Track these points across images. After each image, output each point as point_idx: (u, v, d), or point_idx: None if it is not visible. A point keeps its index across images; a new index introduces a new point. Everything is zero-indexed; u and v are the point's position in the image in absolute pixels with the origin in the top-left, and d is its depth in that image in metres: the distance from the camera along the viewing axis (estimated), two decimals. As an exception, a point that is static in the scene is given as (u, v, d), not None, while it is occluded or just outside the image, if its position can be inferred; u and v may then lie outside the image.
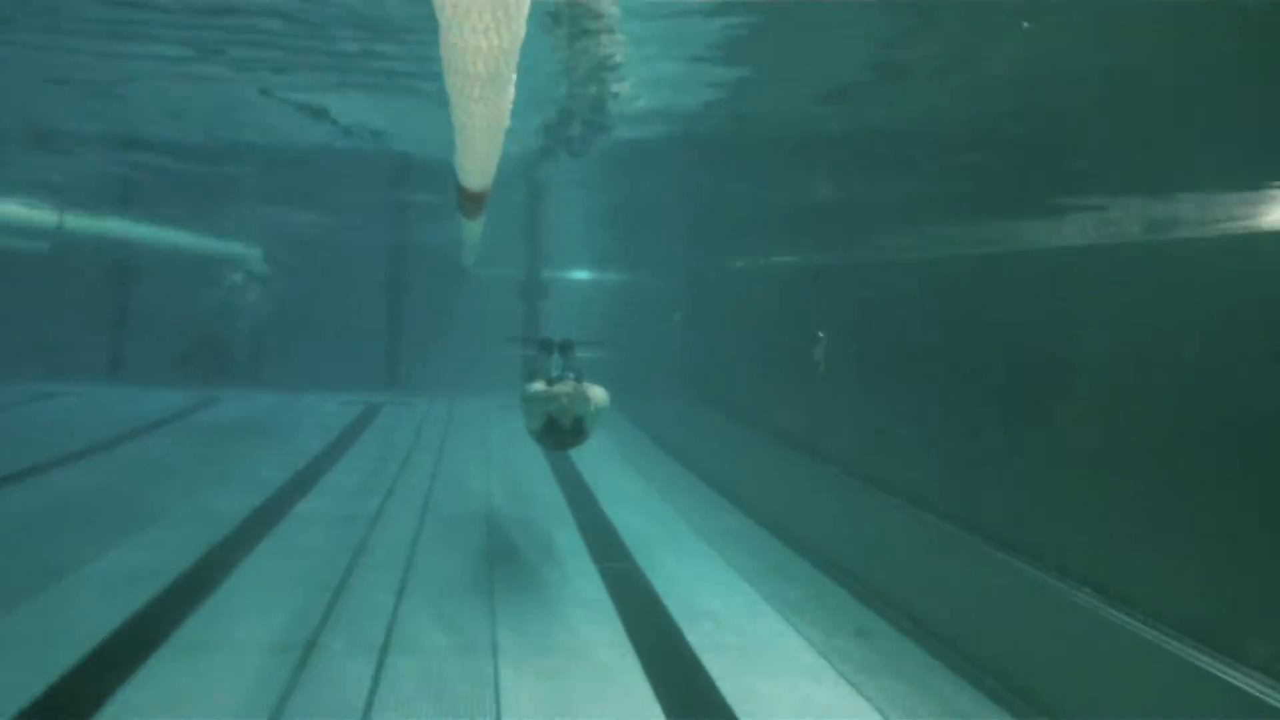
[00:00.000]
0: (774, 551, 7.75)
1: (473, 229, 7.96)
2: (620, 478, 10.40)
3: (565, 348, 7.71)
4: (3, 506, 7.93)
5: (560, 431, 6.80)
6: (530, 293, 19.78)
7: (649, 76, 5.84)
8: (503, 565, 7.04)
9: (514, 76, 3.05)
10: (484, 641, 5.38)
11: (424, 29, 4.97)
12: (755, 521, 8.63)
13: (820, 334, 8.11)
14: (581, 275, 20.14)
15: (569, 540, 7.86)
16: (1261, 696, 3.59)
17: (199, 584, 6.11)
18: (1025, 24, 4.12)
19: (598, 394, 6.69)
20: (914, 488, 6.48)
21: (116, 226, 12.72)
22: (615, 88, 6.21)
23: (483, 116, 3.36)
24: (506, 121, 3.56)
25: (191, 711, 4.33)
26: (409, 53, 5.65)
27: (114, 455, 10.51)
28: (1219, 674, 3.76)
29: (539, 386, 6.74)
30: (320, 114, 7.23)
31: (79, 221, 11.89)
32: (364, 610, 5.79)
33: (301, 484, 9.39)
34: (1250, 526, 3.81)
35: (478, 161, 4.35)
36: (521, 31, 2.68)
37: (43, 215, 11.10)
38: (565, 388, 6.56)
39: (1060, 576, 4.82)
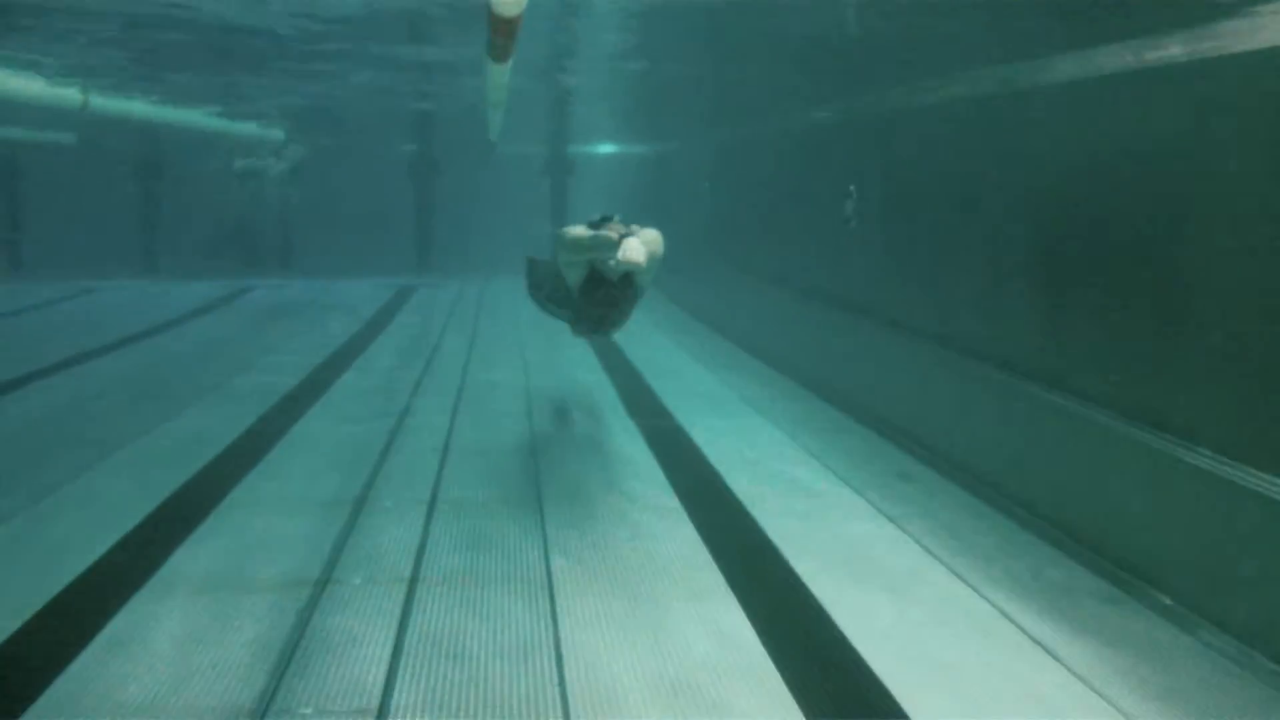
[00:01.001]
0: (820, 411, 7.84)
1: (499, 84, 7.80)
2: (654, 345, 10.48)
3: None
4: (60, 389, 8.15)
5: (606, 287, 6.04)
6: (556, 169, 19.59)
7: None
8: (541, 416, 7.15)
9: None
10: (530, 496, 5.51)
11: None
12: (797, 382, 8.71)
13: (851, 188, 7.99)
14: (608, 149, 19.85)
15: (607, 398, 7.97)
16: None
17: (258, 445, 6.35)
18: None
19: (652, 237, 5.86)
20: (946, 330, 6.47)
21: (140, 109, 12.57)
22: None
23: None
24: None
25: (250, 560, 4.49)
26: None
27: (154, 342, 10.73)
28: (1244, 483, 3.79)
29: (578, 230, 5.88)
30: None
31: (104, 102, 11.76)
32: (411, 469, 5.95)
33: (343, 358, 9.55)
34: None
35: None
36: None
37: (68, 94, 10.98)
38: (611, 232, 5.70)
39: (1083, 403, 4.83)
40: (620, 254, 5.57)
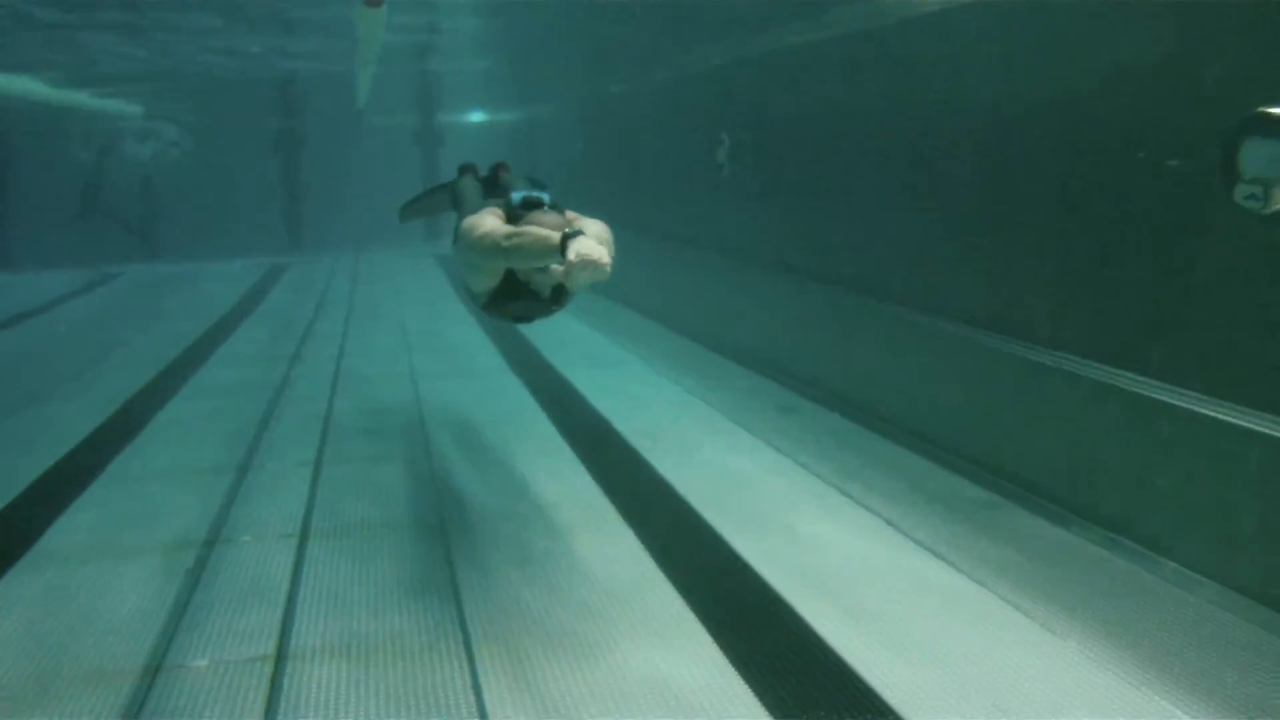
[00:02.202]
0: (702, 357, 7.97)
1: (372, 36, 7.56)
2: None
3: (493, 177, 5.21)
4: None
5: (528, 299, 4.10)
6: (426, 139, 19.27)
7: None
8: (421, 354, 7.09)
9: None
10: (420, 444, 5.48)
11: None
12: (677, 331, 8.82)
13: (723, 135, 8.08)
14: (477, 117, 19.61)
15: (492, 361, 7.94)
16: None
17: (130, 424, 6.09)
18: None
19: (601, 230, 3.80)
20: (825, 268, 6.63)
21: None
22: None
23: None
24: None
25: (134, 525, 4.36)
26: None
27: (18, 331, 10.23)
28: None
29: (490, 222, 3.85)
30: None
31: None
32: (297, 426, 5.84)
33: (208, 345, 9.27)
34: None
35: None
36: None
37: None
38: (545, 226, 3.67)
39: (959, 324, 5.03)
40: (572, 254, 3.29)
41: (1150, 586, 3.63)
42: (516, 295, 4.06)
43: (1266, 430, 3.36)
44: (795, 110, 7.04)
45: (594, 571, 3.82)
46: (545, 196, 3.88)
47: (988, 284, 4.89)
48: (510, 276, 3.98)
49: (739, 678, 3.04)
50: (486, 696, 2.96)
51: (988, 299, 4.88)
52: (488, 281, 4.05)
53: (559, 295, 4.04)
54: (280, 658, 3.19)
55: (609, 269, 3.30)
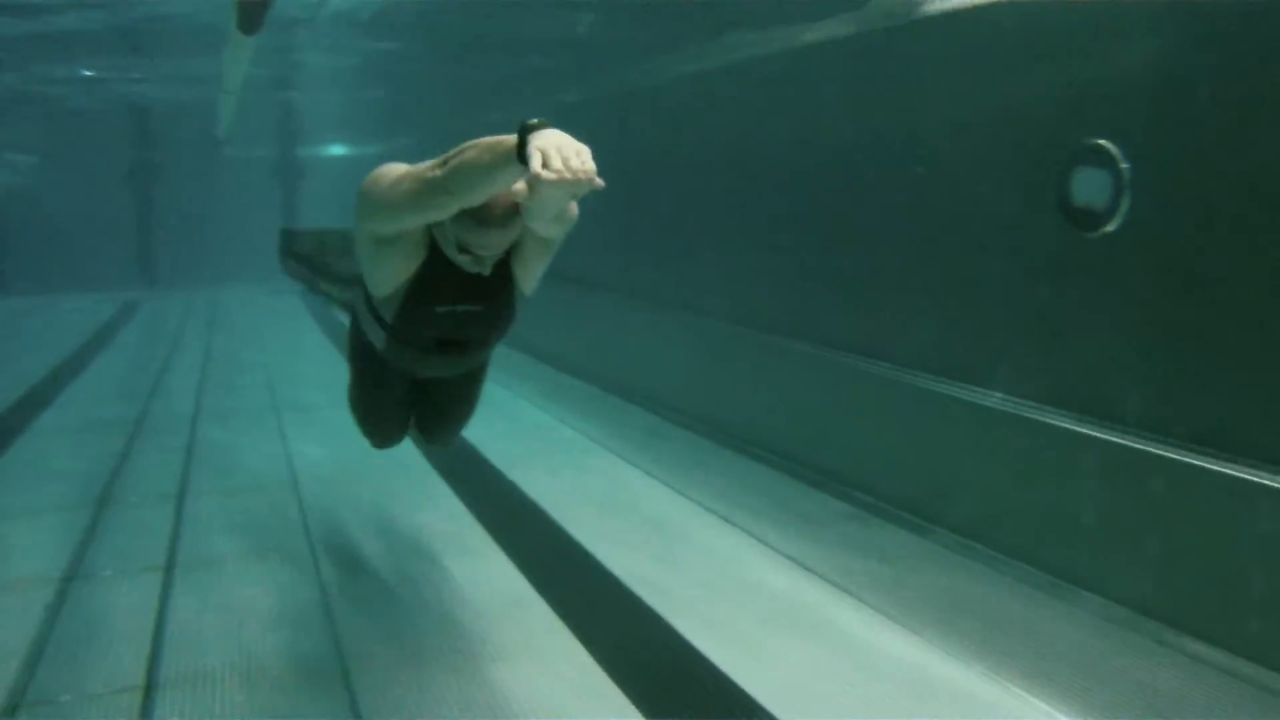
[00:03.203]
0: (569, 384, 8.06)
1: (239, 62, 7.41)
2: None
3: None
4: None
5: (456, 288, 2.90)
6: (286, 172, 18.90)
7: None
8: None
9: None
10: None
11: None
12: (542, 360, 8.91)
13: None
14: (339, 151, 19.35)
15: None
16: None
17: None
18: None
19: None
20: (685, 297, 6.83)
21: None
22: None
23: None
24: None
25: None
26: None
27: None
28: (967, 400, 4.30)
29: (404, 166, 2.63)
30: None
31: None
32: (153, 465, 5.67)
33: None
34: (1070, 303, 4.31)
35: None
36: None
37: None
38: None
39: (818, 347, 5.27)
40: (536, 160, 2.12)
41: (1007, 587, 3.89)
42: (438, 291, 2.81)
43: (1101, 435, 3.66)
44: (660, 143, 7.25)
45: (466, 593, 3.86)
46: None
47: (850, 309, 5.15)
48: (435, 253, 2.76)
49: (615, 688, 3.13)
50: None
51: (849, 325, 5.13)
52: (401, 265, 2.77)
53: (503, 283, 2.89)
54: (149, 688, 3.13)
55: (589, 177, 2.11)
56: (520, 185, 2.39)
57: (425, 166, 2.44)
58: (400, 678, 3.20)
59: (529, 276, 3.01)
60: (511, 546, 4.35)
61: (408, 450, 5.85)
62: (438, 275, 2.79)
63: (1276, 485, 3.09)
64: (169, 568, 4.13)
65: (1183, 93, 3.36)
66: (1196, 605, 3.36)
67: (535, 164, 2.06)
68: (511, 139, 2.17)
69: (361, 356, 3.37)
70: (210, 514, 4.82)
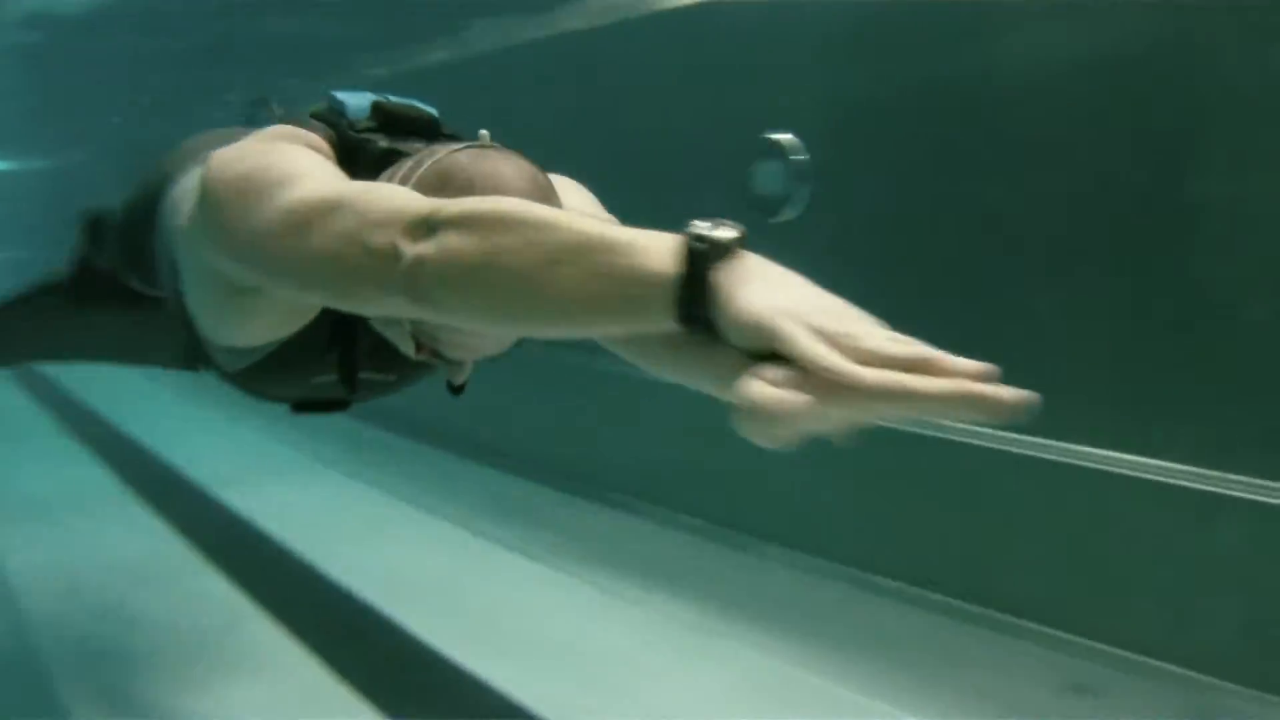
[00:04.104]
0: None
1: None
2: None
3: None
4: None
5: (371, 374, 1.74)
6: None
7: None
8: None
9: None
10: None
11: None
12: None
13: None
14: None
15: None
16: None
17: None
18: None
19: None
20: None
21: None
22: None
23: None
24: None
25: None
26: None
27: None
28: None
29: (309, 161, 1.35)
30: None
31: None
32: None
33: None
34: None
35: None
36: None
37: None
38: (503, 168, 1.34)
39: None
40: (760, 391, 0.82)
41: (753, 567, 4.11)
42: (327, 360, 1.63)
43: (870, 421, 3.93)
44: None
45: (183, 617, 3.66)
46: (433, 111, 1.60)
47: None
48: (338, 316, 1.56)
49: (349, 691, 3.08)
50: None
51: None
52: (268, 325, 1.59)
53: (417, 373, 1.79)
54: None
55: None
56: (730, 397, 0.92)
57: (384, 204, 1.13)
58: (127, 711, 3.01)
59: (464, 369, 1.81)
60: (227, 564, 4.16)
61: (108, 483, 5.44)
62: (334, 343, 1.60)
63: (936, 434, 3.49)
64: None
65: (852, 89, 3.74)
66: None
67: (765, 393, 0.79)
68: (656, 258, 0.89)
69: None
70: None
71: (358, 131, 1.49)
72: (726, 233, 0.86)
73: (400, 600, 3.69)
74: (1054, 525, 3.34)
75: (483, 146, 1.40)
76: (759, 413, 0.78)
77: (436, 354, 1.47)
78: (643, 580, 3.89)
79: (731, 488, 4.25)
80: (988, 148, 3.46)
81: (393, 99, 1.56)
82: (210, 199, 1.33)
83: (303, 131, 1.48)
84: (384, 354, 1.58)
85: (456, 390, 1.59)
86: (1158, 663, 3.10)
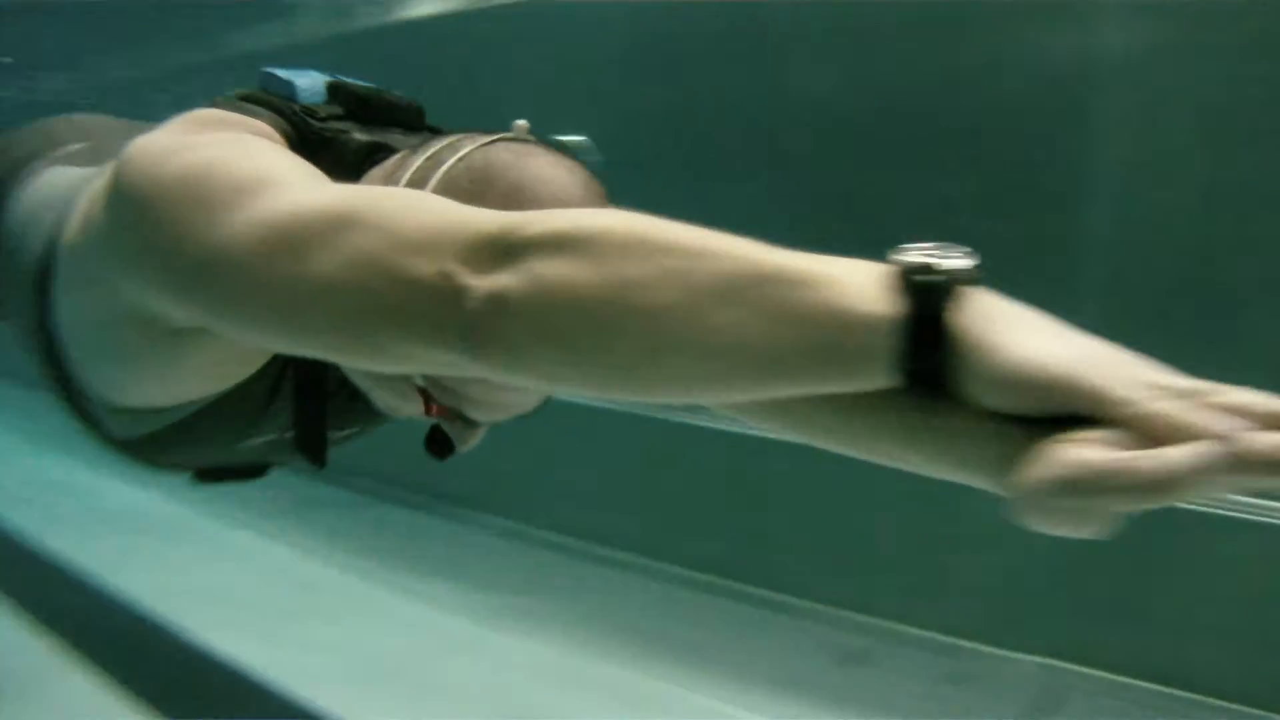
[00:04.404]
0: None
1: None
2: None
3: None
4: None
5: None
6: None
7: None
8: None
9: None
10: None
11: None
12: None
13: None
14: None
15: None
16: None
17: None
18: None
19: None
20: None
21: None
22: None
23: None
24: None
25: None
26: None
27: None
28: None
29: (285, 164, 0.96)
30: None
31: None
32: None
33: None
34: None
35: None
36: None
37: None
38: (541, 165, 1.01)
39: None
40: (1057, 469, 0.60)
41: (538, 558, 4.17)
42: (274, 419, 1.24)
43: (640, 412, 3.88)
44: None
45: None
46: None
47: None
48: (292, 364, 1.18)
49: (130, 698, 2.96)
50: None
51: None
52: (204, 375, 1.15)
53: (378, 424, 1.36)
54: None
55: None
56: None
57: (421, 218, 0.80)
58: None
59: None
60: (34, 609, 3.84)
61: None
62: (280, 396, 1.21)
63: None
64: None
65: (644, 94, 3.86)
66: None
67: (1115, 464, 0.57)
68: (857, 294, 0.65)
69: None
70: None
71: (320, 119, 1.12)
72: (961, 261, 0.64)
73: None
74: (821, 507, 3.58)
75: (521, 140, 1.04)
76: (1096, 488, 0.57)
77: (457, 416, 1.08)
78: (432, 576, 3.91)
79: (521, 484, 4.33)
80: (774, 152, 3.68)
81: (349, 80, 1.21)
82: (139, 207, 0.93)
83: (239, 117, 1.07)
84: (347, 404, 1.22)
85: (444, 454, 1.14)
86: (918, 631, 3.42)
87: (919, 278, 0.63)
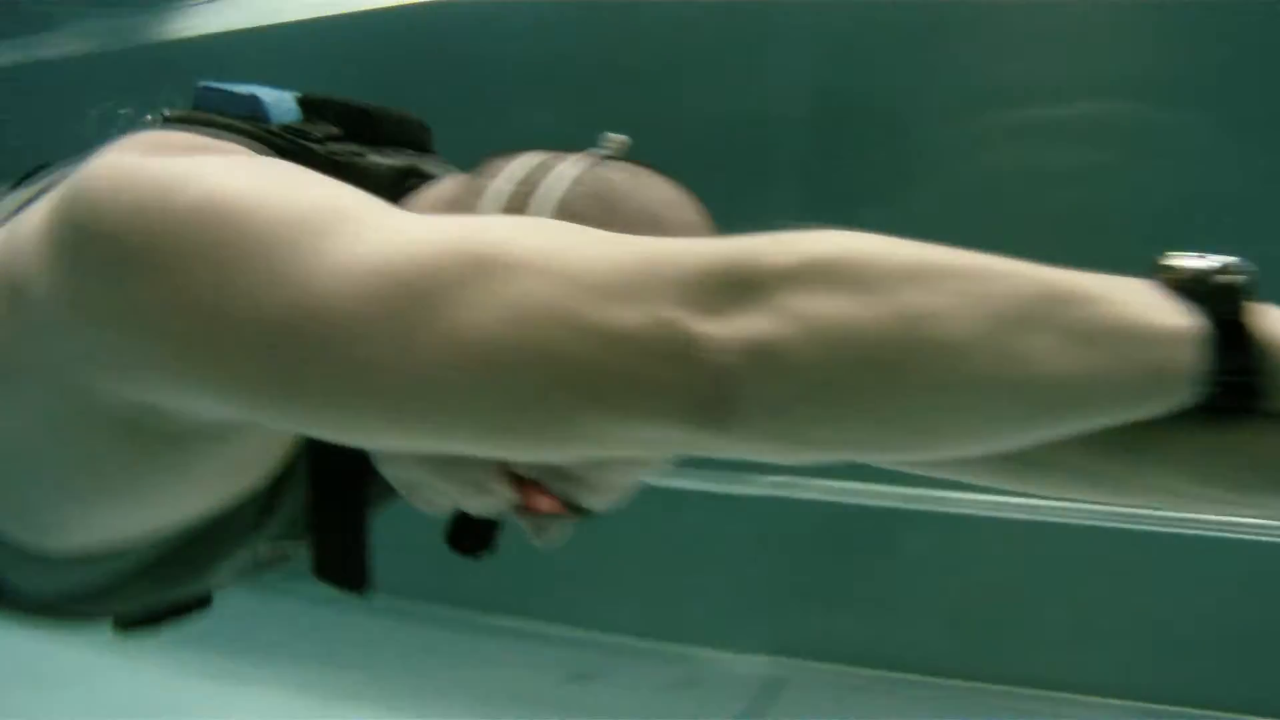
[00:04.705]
0: None
1: None
2: None
3: None
4: None
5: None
6: None
7: None
8: None
9: None
10: None
11: None
12: None
13: None
14: None
15: None
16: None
17: None
18: None
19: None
20: None
21: None
22: None
23: None
24: None
25: None
26: None
27: None
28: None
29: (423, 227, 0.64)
30: None
31: None
32: None
33: None
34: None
35: None
36: None
37: None
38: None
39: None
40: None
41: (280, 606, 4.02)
42: (254, 532, 0.93)
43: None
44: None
45: None
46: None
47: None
48: (304, 457, 0.88)
49: None
50: None
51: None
52: (193, 488, 0.82)
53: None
54: None
55: None
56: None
57: (586, 251, 0.59)
58: None
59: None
60: None
61: None
62: (290, 495, 0.92)
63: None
64: None
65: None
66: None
67: None
68: (1141, 308, 0.58)
69: None
70: None
71: (317, 141, 0.86)
72: (1242, 265, 0.58)
73: None
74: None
75: (620, 159, 0.84)
76: None
77: (569, 505, 0.83)
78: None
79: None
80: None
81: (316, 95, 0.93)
82: (141, 258, 0.62)
83: (212, 141, 0.76)
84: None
85: (479, 551, 0.96)
86: (648, 643, 3.47)
87: (1219, 278, 0.58)
